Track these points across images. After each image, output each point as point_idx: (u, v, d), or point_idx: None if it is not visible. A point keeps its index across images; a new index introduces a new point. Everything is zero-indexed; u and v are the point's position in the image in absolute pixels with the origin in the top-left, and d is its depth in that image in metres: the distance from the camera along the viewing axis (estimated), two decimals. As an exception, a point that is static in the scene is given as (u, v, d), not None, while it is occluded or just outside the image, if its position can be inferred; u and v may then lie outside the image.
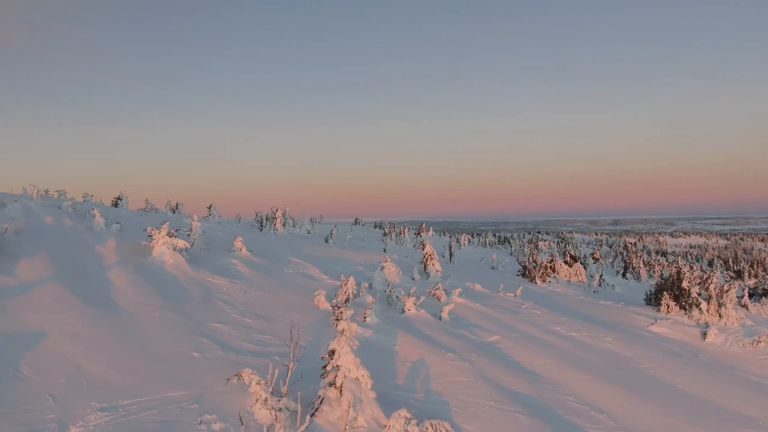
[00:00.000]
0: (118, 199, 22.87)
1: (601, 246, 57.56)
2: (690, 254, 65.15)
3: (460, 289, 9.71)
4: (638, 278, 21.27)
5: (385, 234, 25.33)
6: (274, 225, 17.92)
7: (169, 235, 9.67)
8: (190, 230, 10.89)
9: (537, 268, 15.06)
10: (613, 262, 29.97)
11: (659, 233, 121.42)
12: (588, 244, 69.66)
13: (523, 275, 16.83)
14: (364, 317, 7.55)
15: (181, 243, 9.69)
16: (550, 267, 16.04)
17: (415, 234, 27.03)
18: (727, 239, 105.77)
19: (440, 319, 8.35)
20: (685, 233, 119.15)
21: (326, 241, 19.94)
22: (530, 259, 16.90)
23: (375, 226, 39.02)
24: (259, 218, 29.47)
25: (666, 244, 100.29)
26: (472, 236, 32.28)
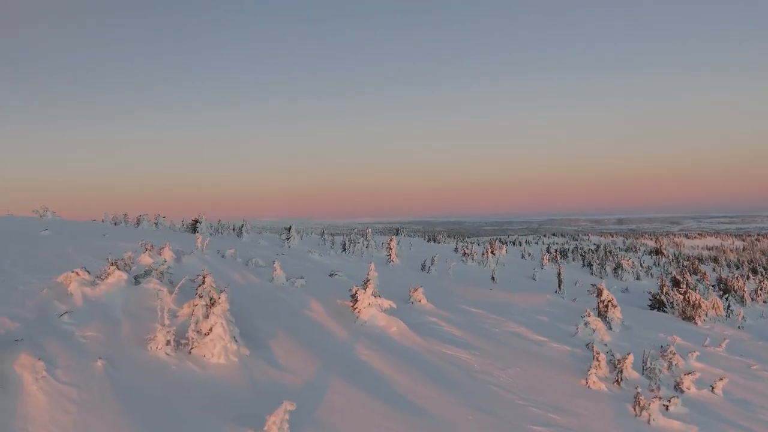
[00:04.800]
0: (197, 222, 21.84)
1: (637, 254, 56.71)
2: (718, 258, 64.54)
3: (698, 352, 8.82)
4: (742, 302, 20.42)
5: (464, 255, 24.42)
6: (390, 257, 16.87)
7: (374, 294, 8.72)
8: (367, 281, 9.83)
9: (694, 306, 14.19)
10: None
11: (673, 234, 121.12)
12: (606, 246, 68.88)
13: (658, 309, 15.96)
14: (666, 405, 6.64)
15: (386, 303, 8.74)
16: (687, 300, 15.17)
17: (488, 251, 26.10)
18: (743, 240, 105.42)
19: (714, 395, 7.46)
20: (700, 234, 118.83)
21: (425, 270, 18.93)
22: (662, 290, 16.03)
23: (428, 239, 37.96)
24: (322, 236, 28.43)
25: (683, 246, 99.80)
26: (548, 251, 31.25)
